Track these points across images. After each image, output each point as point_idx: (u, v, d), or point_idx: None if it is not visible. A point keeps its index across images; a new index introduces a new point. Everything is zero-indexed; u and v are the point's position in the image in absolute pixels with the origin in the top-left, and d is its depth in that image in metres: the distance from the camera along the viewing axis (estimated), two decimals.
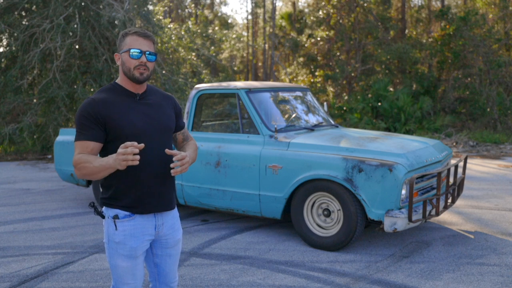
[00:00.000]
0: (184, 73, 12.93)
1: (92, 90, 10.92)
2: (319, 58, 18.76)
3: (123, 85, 2.26)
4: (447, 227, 5.14)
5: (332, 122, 5.71)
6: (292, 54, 23.82)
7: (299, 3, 27.31)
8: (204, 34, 16.30)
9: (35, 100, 11.07)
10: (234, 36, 23.86)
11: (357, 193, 4.17)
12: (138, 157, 1.99)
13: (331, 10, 17.80)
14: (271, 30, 25.53)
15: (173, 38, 12.62)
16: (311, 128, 5.21)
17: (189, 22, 15.18)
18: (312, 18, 20.39)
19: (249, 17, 33.21)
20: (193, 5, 27.94)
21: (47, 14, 10.65)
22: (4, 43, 11.60)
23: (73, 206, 6.35)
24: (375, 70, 17.62)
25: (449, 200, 4.94)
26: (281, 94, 5.58)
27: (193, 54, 13.56)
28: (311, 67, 18.81)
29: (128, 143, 1.98)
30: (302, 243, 4.66)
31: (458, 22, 15.44)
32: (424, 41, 17.53)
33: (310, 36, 19.73)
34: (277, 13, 27.28)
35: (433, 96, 15.90)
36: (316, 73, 18.31)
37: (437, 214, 4.35)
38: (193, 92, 5.39)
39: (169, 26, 12.95)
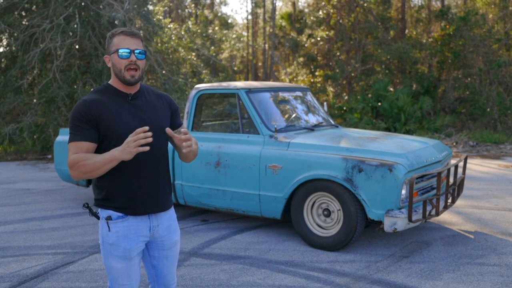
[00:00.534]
0: (184, 73, 12.93)
1: (92, 90, 10.90)
2: (319, 58, 18.76)
3: (115, 85, 2.25)
4: (447, 227, 5.14)
5: (332, 122, 5.71)
6: (292, 54, 23.82)
7: (299, 3, 27.32)
8: (204, 34, 16.30)
9: (35, 100, 11.07)
10: (234, 36, 23.87)
11: (357, 193, 4.17)
12: (150, 140, 2.01)
13: (331, 10, 17.80)
14: (271, 30, 25.54)
15: (173, 38, 12.62)
16: (311, 128, 5.21)
17: (189, 22, 15.18)
18: (312, 18, 20.39)
19: (249, 17, 33.23)
20: (193, 5, 27.94)
21: (47, 14, 10.66)
22: (4, 43, 11.60)
23: (73, 206, 6.35)
24: (375, 70, 17.62)
25: (449, 200, 4.94)
26: (281, 94, 5.58)
27: (193, 54, 13.56)
28: (311, 67, 18.81)
29: (138, 130, 2.00)
30: (302, 243, 4.66)
31: (458, 22, 15.44)
32: (424, 41, 17.53)
33: (310, 36, 19.73)
34: (277, 13, 27.28)
35: (433, 96, 15.90)
36: (316, 73, 18.31)
37: (437, 214, 4.35)
38: (193, 92, 5.39)
39: (169, 26, 12.95)
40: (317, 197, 4.49)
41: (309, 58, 18.72)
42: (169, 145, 2.98)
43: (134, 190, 2.20)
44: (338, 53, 18.26)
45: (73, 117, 2.16)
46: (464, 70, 15.87)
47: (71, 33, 10.68)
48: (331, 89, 18.00)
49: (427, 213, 4.27)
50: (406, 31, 19.06)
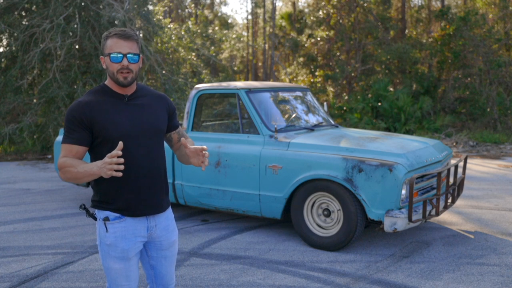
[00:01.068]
0: (184, 73, 12.93)
1: (88, 91, 10.89)
2: (319, 58, 18.76)
3: (111, 86, 2.23)
4: (447, 227, 5.14)
5: (332, 122, 5.71)
6: (292, 54, 23.82)
7: (299, 3, 27.32)
8: (204, 34, 16.29)
9: (35, 100, 11.07)
10: (234, 36, 23.86)
11: (357, 193, 4.17)
12: (122, 167, 1.95)
13: (331, 10, 17.80)
14: (271, 30, 25.53)
15: (173, 38, 12.62)
16: (311, 128, 5.21)
17: (189, 22, 15.17)
18: (312, 18, 20.39)
19: (249, 17, 33.24)
20: (193, 5, 27.93)
21: (47, 14, 10.65)
22: (4, 43, 11.60)
23: (73, 206, 6.35)
24: (375, 70, 17.62)
25: (449, 200, 4.94)
26: (281, 94, 5.58)
27: (193, 54, 13.55)
28: (311, 67, 18.81)
29: (114, 152, 1.94)
30: (302, 243, 4.66)
31: (458, 22, 15.44)
32: (424, 41, 17.52)
33: (310, 36, 19.73)
34: (277, 13, 27.28)
35: (433, 96, 15.90)
36: (316, 73, 18.30)
37: (437, 214, 4.35)
38: (193, 92, 5.39)
39: (169, 26, 12.95)
40: (317, 197, 4.49)
41: (309, 58, 18.72)
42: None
43: (131, 192, 2.19)
44: (338, 53, 18.26)
45: (67, 118, 2.16)
46: (464, 70, 15.87)
47: (71, 33, 10.68)
48: (331, 89, 18.00)
49: (427, 213, 4.27)
50: (406, 31, 19.06)
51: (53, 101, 10.82)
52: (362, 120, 14.36)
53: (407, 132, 13.78)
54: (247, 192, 4.80)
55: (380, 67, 17.40)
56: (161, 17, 13.11)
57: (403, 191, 4.09)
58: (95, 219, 2.27)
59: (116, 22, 10.87)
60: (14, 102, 10.81)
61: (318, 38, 18.42)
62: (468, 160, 9.83)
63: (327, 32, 18.07)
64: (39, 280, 3.83)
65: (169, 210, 2.39)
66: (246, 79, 29.40)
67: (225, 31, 19.96)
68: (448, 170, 4.57)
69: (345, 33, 17.56)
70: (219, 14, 33.72)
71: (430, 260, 4.18)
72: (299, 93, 5.78)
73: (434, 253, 4.34)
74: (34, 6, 11.19)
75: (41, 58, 10.65)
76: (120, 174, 1.96)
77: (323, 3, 18.68)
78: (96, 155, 2.20)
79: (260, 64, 31.09)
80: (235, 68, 30.31)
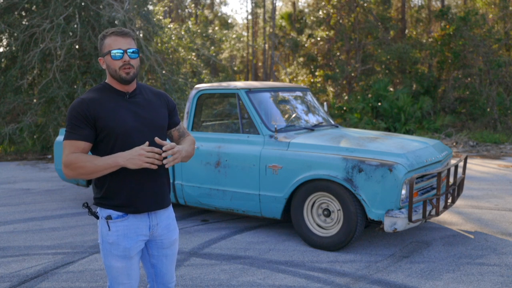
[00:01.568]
0: (184, 73, 12.93)
1: (89, 89, 10.90)
2: (319, 58, 18.76)
3: (112, 84, 2.26)
4: (447, 227, 5.14)
5: (332, 122, 5.71)
6: (292, 54, 23.81)
7: (299, 3, 27.32)
8: (204, 34, 16.29)
9: (35, 100, 11.07)
10: (234, 36, 23.85)
11: (357, 193, 4.17)
12: (159, 162, 2.11)
13: (331, 10, 17.80)
14: (271, 30, 25.53)
15: (173, 38, 12.62)
16: (311, 128, 5.21)
17: (189, 22, 15.17)
18: (312, 18, 20.38)
19: (249, 17, 33.23)
20: (193, 5, 27.93)
21: (47, 14, 10.65)
22: (4, 43, 11.60)
23: (73, 206, 6.35)
24: (375, 70, 17.62)
25: (449, 200, 4.94)
26: (281, 94, 5.58)
27: (193, 54, 13.55)
28: (311, 67, 18.81)
29: (146, 147, 2.08)
30: (302, 243, 4.66)
31: (458, 22, 15.44)
32: (424, 41, 17.52)
33: (310, 36, 19.72)
34: (277, 13, 27.28)
35: (433, 96, 15.90)
36: (316, 73, 18.30)
37: (437, 214, 4.35)
38: (193, 92, 5.39)
39: (169, 26, 12.94)
40: (317, 197, 4.49)
41: (309, 58, 18.72)
42: None
43: (134, 188, 2.21)
44: (338, 53, 18.25)
45: (71, 115, 2.17)
46: (464, 70, 15.87)
47: (71, 33, 10.68)
48: (331, 89, 18.00)
49: (427, 213, 4.27)
50: (406, 31, 19.06)
51: (53, 101, 10.82)
52: (362, 120, 14.36)
53: (407, 132, 13.78)
54: (247, 192, 4.80)
55: (380, 67, 17.40)
56: (161, 17, 13.10)
57: (403, 191, 4.09)
58: (97, 217, 2.28)
59: (116, 22, 10.87)
60: (14, 102, 10.81)
61: (318, 38, 18.42)
62: (468, 160, 9.83)
63: (327, 32, 18.07)
64: (39, 280, 3.83)
65: (171, 208, 2.41)
66: (246, 79, 29.40)
67: (225, 31, 19.95)
68: (448, 170, 4.57)
69: (345, 33, 17.56)
70: (219, 14, 33.72)
71: (430, 260, 4.18)
72: (299, 93, 5.78)
73: (434, 253, 4.34)
74: (34, 6, 11.19)
75: (41, 58, 10.65)
76: (156, 166, 2.11)
77: (323, 3, 18.68)
78: (99, 152, 2.21)
79: (260, 64, 31.09)
80: (235, 68, 30.31)
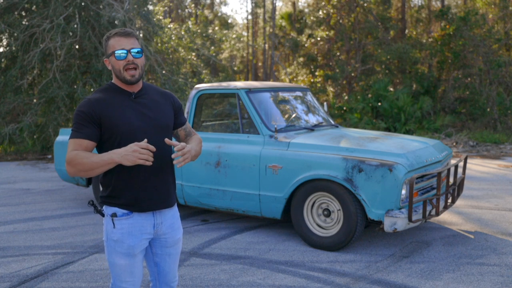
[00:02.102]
0: (184, 73, 12.93)
1: (92, 90, 10.92)
2: (319, 58, 18.76)
3: (118, 84, 2.28)
4: (447, 227, 5.14)
5: (332, 122, 5.71)
6: (292, 54, 23.81)
7: (299, 3, 27.31)
8: (204, 34, 16.29)
9: (35, 100, 11.07)
10: (234, 36, 23.85)
11: (357, 193, 4.17)
12: (152, 159, 2.08)
13: (331, 10, 17.80)
14: (271, 30, 25.53)
15: (173, 38, 12.62)
16: (311, 128, 5.21)
17: (189, 22, 15.17)
18: (312, 18, 20.38)
19: (249, 17, 33.22)
20: (193, 5, 27.93)
21: (47, 14, 10.65)
22: (4, 43, 11.60)
23: (73, 206, 6.35)
24: (375, 70, 17.62)
25: (449, 200, 4.94)
26: (281, 94, 5.58)
27: (193, 54, 13.55)
28: (311, 67, 18.81)
29: (142, 144, 2.05)
30: (302, 243, 4.66)
31: (458, 22, 15.43)
32: (424, 41, 17.52)
33: (310, 36, 19.72)
34: (277, 13, 27.27)
35: (433, 96, 15.89)
36: (316, 73, 18.30)
37: (437, 214, 4.35)
38: (193, 92, 5.39)
39: (169, 26, 12.95)
40: (317, 197, 4.49)
41: (309, 58, 18.72)
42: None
43: (140, 186, 2.23)
44: (338, 53, 18.25)
45: (77, 115, 2.19)
46: (464, 70, 15.87)
47: (71, 33, 10.68)
48: (331, 89, 18.00)
49: (427, 213, 4.27)
50: (406, 31, 19.05)
51: (53, 101, 10.81)
52: (362, 120, 14.36)
53: (407, 132, 13.78)
54: (247, 192, 4.80)
55: (380, 67, 17.40)
56: (161, 17, 13.11)
57: (403, 191, 4.09)
58: (103, 215, 2.30)
59: (116, 22, 10.87)
60: (14, 102, 10.81)
61: (318, 38, 18.42)
62: (468, 160, 9.83)
63: (327, 32, 18.07)
64: (39, 280, 3.83)
65: (175, 208, 2.43)
66: (246, 79, 29.40)
67: (225, 31, 19.96)
68: (448, 170, 4.57)
69: (345, 33, 17.56)
70: (219, 14, 33.72)
71: (430, 260, 4.18)
72: (299, 93, 5.78)
73: (434, 253, 4.34)
74: (34, 6, 11.19)
75: (41, 58, 10.65)
76: (150, 163, 2.07)
77: (323, 3, 18.68)
78: (105, 151, 2.21)
79: (260, 64, 31.09)
80: (235, 68, 30.31)
